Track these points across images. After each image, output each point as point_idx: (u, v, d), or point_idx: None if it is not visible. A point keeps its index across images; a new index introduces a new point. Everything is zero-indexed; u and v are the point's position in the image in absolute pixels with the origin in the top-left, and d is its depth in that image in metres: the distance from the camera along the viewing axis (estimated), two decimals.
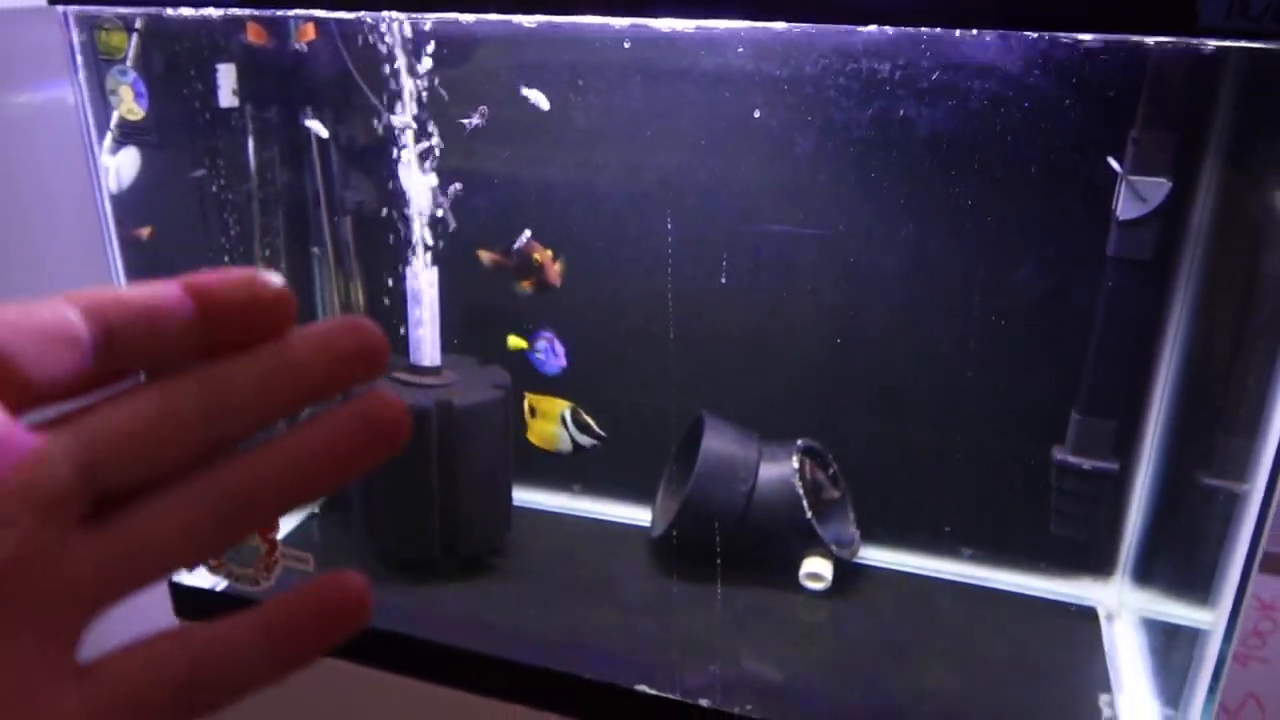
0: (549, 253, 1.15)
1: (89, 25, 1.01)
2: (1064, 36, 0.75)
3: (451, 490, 1.17)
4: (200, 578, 1.20)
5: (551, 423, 1.15)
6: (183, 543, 0.27)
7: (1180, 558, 1.05)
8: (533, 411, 1.16)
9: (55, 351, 0.26)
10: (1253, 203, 0.95)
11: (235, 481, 0.28)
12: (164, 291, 0.27)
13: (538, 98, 1.10)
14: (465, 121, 1.12)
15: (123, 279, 1.12)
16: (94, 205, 1.08)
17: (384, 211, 1.19)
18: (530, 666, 1.06)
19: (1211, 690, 0.89)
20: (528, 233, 1.16)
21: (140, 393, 0.27)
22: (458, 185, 1.15)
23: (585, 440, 1.14)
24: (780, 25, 0.79)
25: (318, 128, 1.23)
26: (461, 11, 0.88)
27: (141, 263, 1.14)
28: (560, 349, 1.19)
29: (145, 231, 1.16)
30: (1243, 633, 0.90)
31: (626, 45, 1.07)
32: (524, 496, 1.37)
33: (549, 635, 1.13)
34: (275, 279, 0.29)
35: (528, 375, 1.21)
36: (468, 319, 1.26)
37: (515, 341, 1.21)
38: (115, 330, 0.27)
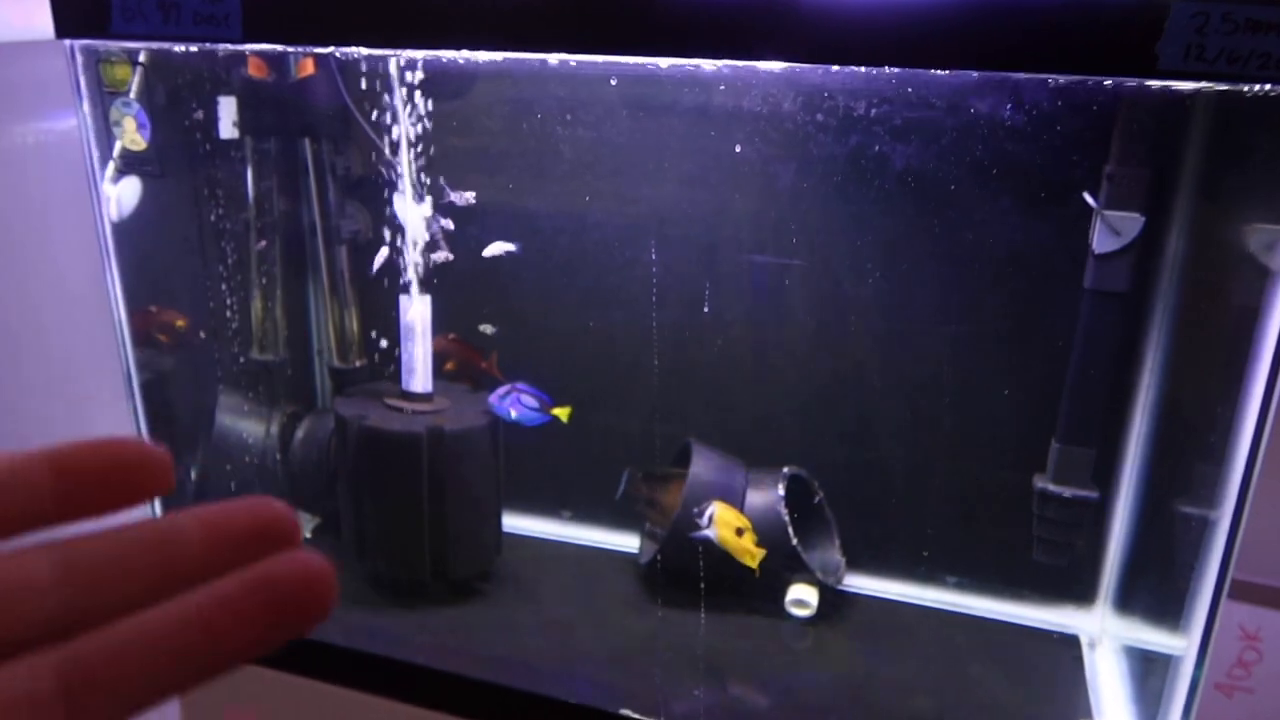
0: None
1: (95, 58, 1.05)
2: (1038, 76, 0.78)
3: (441, 515, 1.19)
4: None
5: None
6: (25, 716, 0.24)
7: (1157, 585, 1.06)
8: (741, 532, 1.12)
9: None
10: (1223, 236, 0.97)
11: (90, 657, 0.25)
12: (12, 454, 0.26)
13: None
14: (453, 197, 1.17)
15: (122, 303, 1.14)
16: (96, 232, 1.10)
17: (379, 240, 1.22)
18: (517, 691, 1.07)
19: (1185, 716, 0.90)
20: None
21: None
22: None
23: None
24: (768, 65, 0.82)
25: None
26: (453, 49, 0.91)
27: (141, 289, 1.16)
28: (529, 400, 1.18)
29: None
30: (1227, 663, 0.91)
31: (613, 82, 1.11)
32: (514, 522, 1.38)
33: (536, 660, 1.14)
34: (145, 443, 0.28)
35: None
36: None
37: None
38: None
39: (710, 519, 1.12)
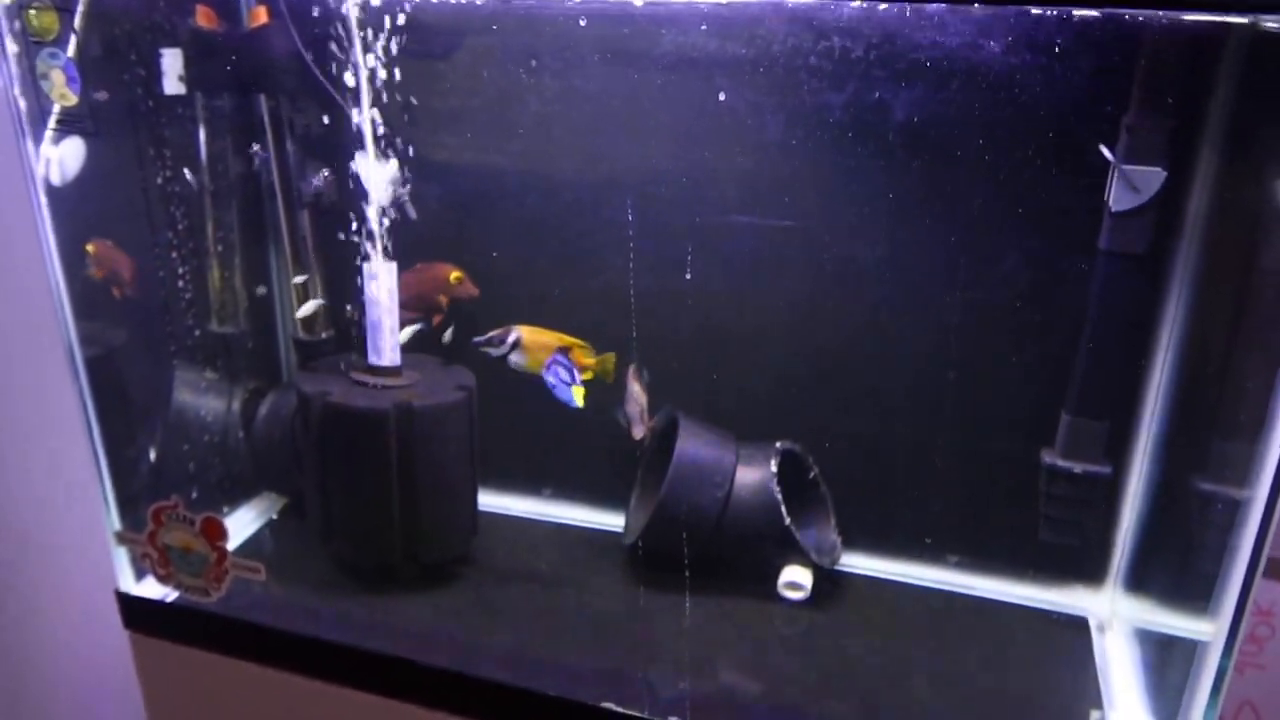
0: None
1: (17, 4, 0.95)
2: (1056, 10, 0.69)
3: (412, 495, 1.11)
4: (149, 588, 1.14)
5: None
6: None
7: (1177, 566, 1.00)
8: (568, 350, 1.01)
9: None
10: (1254, 192, 0.90)
11: None
12: None
13: None
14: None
15: (61, 274, 1.06)
16: (28, 196, 1.01)
17: (341, 204, 1.14)
18: (492, 682, 1.01)
19: (1211, 704, 0.84)
20: None
21: None
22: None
23: None
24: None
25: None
26: None
27: (80, 260, 1.08)
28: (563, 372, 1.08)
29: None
30: (1239, 639, 0.86)
31: (582, 23, 1.01)
32: (492, 501, 1.31)
33: (513, 649, 1.07)
34: None
35: None
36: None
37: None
38: None
39: (515, 344, 0.99)
